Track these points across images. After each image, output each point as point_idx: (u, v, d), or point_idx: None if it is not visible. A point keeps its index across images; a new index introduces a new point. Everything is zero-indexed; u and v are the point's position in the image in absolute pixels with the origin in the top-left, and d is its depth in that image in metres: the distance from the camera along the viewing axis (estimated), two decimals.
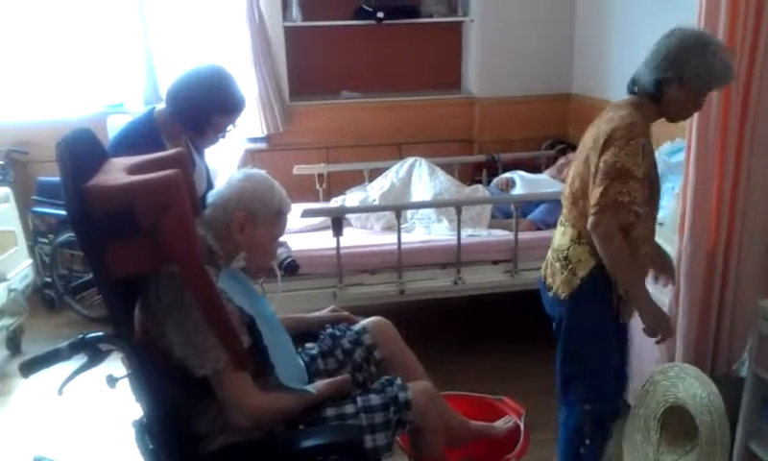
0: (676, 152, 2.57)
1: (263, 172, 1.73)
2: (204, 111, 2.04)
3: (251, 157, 4.02)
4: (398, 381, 1.75)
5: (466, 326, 3.61)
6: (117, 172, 1.49)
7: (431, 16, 4.22)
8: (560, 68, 4.22)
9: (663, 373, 2.42)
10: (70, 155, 1.38)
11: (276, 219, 1.69)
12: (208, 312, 1.43)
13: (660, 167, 2.66)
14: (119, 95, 4.03)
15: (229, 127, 2.13)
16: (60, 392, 1.43)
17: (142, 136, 2.00)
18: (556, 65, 4.21)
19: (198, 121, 2.06)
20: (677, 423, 2.36)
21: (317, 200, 3.75)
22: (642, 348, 2.58)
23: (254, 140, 4.04)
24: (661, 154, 2.64)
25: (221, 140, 2.17)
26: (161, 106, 2.11)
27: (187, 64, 2.11)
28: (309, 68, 4.24)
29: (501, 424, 2.06)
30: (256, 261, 1.71)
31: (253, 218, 1.64)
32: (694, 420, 2.28)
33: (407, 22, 4.18)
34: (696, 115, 2.21)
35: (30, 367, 1.37)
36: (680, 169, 2.41)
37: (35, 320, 3.54)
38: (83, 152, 1.45)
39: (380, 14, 4.05)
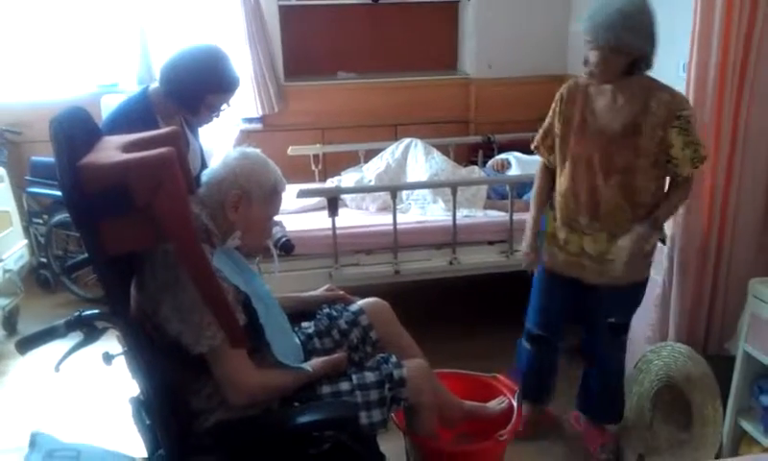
0: None
1: (258, 151, 1.73)
2: (198, 90, 2.03)
3: (245, 138, 4.00)
4: (393, 359, 1.76)
5: (461, 306, 3.63)
6: (111, 150, 1.48)
7: None
8: (555, 49, 4.21)
9: (656, 352, 2.45)
10: (64, 133, 1.37)
11: (271, 198, 1.69)
12: (204, 290, 1.43)
13: None
14: (113, 75, 4.01)
15: (224, 106, 2.13)
16: (57, 369, 1.45)
17: (137, 115, 1.99)
18: (551, 47, 4.20)
19: (192, 100, 2.04)
20: (670, 401, 2.39)
21: (312, 180, 3.75)
22: (636, 327, 2.60)
23: (249, 121, 4.02)
24: None
25: (215, 119, 2.16)
26: (155, 85, 2.10)
27: (181, 44, 2.10)
28: (305, 48, 4.21)
29: (494, 404, 2.08)
30: (251, 240, 1.71)
31: (248, 197, 1.64)
32: (687, 398, 2.32)
33: (403, 1, 4.15)
34: (691, 95, 2.22)
35: (26, 344, 1.38)
36: None
37: (30, 300, 3.55)
38: (76, 130, 1.44)
39: None
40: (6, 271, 3.18)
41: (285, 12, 4.05)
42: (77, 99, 3.56)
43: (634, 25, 1.89)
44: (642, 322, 2.53)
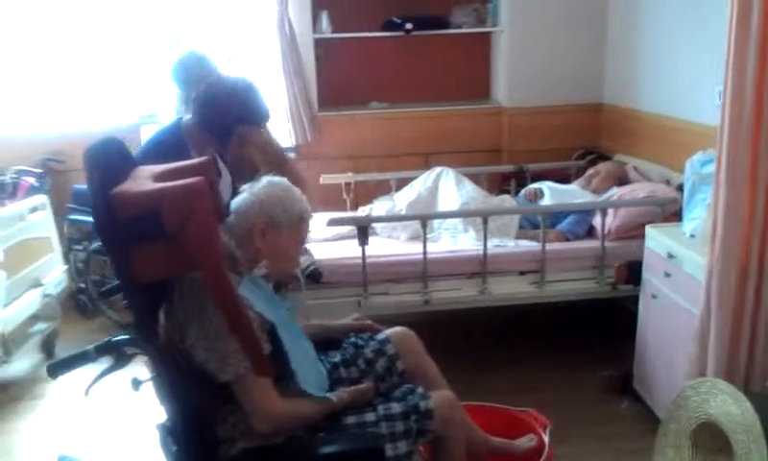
0: (708, 162, 2.52)
1: (284, 179, 1.75)
2: (229, 122, 2.08)
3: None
4: (420, 390, 1.74)
5: (491, 337, 3.58)
6: (144, 179, 1.52)
7: (460, 27, 4.22)
8: (591, 78, 4.18)
9: (695, 388, 2.36)
10: (97, 161, 1.41)
11: (298, 225, 1.70)
12: (230, 318, 1.44)
13: (693, 179, 2.62)
14: (153, 106, 4.12)
15: (254, 137, 2.16)
16: (87, 393, 1.47)
17: (169, 146, 2.05)
18: (587, 75, 4.17)
19: (222, 131, 2.09)
20: (710, 439, 2.29)
21: (344, 209, 3.77)
22: (673, 359, 2.53)
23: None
24: (693, 164, 2.59)
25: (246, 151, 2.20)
26: (189, 116, 2.15)
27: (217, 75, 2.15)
28: (338, 79, 4.28)
29: (523, 442, 2.03)
30: (279, 268, 1.72)
31: (276, 224, 1.66)
32: (728, 437, 2.22)
33: (436, 34, 4.19)
34: (727, 122, 2.16)
35: (57, 368, 1.41)
36: (711, 180, 2.36)
37: (68, 325, 3.62)
38: (110, 159, 1.48)
39: (409, 26, 4.07)
40: (45, 295, 3.26)
41: (320, 45, 4.13)
42: (118, 129, 3.67)
43: None
44: (681, 355, 2.46)
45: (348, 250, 3.02)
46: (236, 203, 1.70)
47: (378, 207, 3.53)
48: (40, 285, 3.23)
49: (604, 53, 4.13)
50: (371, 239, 3.23)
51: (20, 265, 3.10)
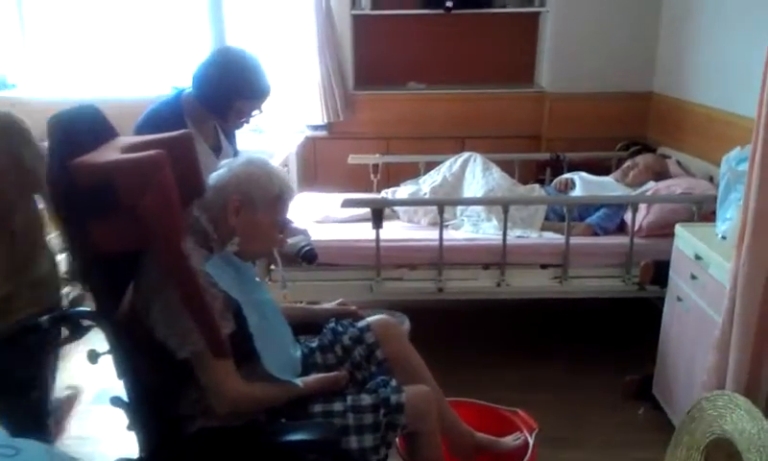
0: (744, 160, 2.31)
1: (264, 158, 1.70)
2: (228, 96, 2.04)
3: (311, 144, 4.04)
4: (393, 383, 1.67)
5: (505, 331, 3.45)
6: (113, 150, 1.50)
7: (504, 6, 4.05)
8: (641, 64, 3.92)
9: (711, 400, 2.19)
10: (59, 129, 1.40)
11: (276, 204, 1.65)
12: (184, 296, 1.41)
13: (728, 176, 2.42)
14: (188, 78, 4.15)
15: (254, 112, 2.12)
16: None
17: (165, 118, 2.02)
18: (637, 61, 3.91)
19: (221, 105, 2.05)
20: (723, 457, 2.13)
21: (371, 190, 3.71)
22: (693, 367, 2.36)
23: (315, 128, 4.05)
24: (729, 161, 2.39)
25: (245, 125, 2.16)
26: (189, 88, 2.12)
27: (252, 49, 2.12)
28: (376, 58, 4.20)
29: (509, 440, 1.94)
30: (254, 246, 1.67)
31: (250, 203, 1.61)
32: (742, 456, 2.06)
33: (480, 12, 4.04)
34: (764, 116, 1.97)
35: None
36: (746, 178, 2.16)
37: None
38: (79, 128, 1.47)
39: (449, 3, 3.93)
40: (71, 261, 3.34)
41: (358, 21, 4.05)
42: (150, 99, 3.69)
43: None
44: (701, 364, 2.29)
45: (364, 232, 2.96)
46: (213, 178, 1.66)
47: (403, 191, 3.45)
48: (67, 250, 3.32)
49: (656, 38, 3.87)
50: (391, 222, 3.19)
51: (48, 229, 3.18)
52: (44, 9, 4.24)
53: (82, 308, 1.45)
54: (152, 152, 1.40)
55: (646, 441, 2.51)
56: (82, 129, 1.48)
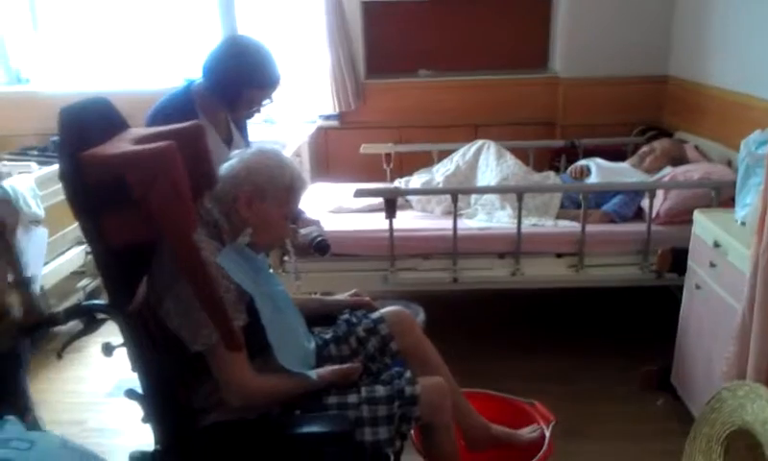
0: (764, 143, 2.26)
1: (276, 148, 1.69)
2: (236, 85, 2.02)
3: (322, 134, 4.02)
4: (407, 375, 1.66)
5: (522, 321, 3.42)
6: (124, 142, 1.49)
7: None
8: (657, 48, 3.84)
9: (732, 391, 2.15)
10: (72, 122, 1.39)
11: (287, 195, 1.63)
12: (197, 288, 1.41)
13: (747, 160, 2.37)
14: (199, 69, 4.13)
15: (265, 102, 2.10)
16: (60, 356, 1.47)
17: (176, 109, 2.01)
18: (652, 44, 3.84)
19: (231, 94, 2.04)
20: (744, 448, 2.09)
21: (384, 179, 3.68)
22: (713, 356, 2.32)
23: (327, 117, 4.02)
24: (748, 144, 2.33)
25: (256, 115, 2.14)
26: (200, 79, 2.11)
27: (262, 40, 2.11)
28: (387, 46, 4.16)
29: (526, 432, 1.91)
30: (266, 237, 1.66)
31: (261, 193, 1.59)
32: (763, 448, 2.02)
33: None
34: None
35: (26, 329, 1.41)
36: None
37: None
38: (90, 120, 1.46)
39: None
40: (89, 252, 3.35)
41: (368, 9, 4.01)
42: (161, 91, 3.69)
43: None
44: (721, 353, 2.25)
45: (378, 222, 2.94)
46: (224, 169, 1.64)
47: (417, 180, 3.42)
48: (83, 243, 3.34)
49: (672, 20, 3.79)
50: (405, 212, 3.16)
51: (63, 223, 3.20)
52: (56, 3, 4.24)
53: (96, 301, 1.44)
54: (162, 143, 1.38)
55: (665, 432, 2.48)
56: (92, 121, 1.47)
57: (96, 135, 1.46)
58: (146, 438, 1.60)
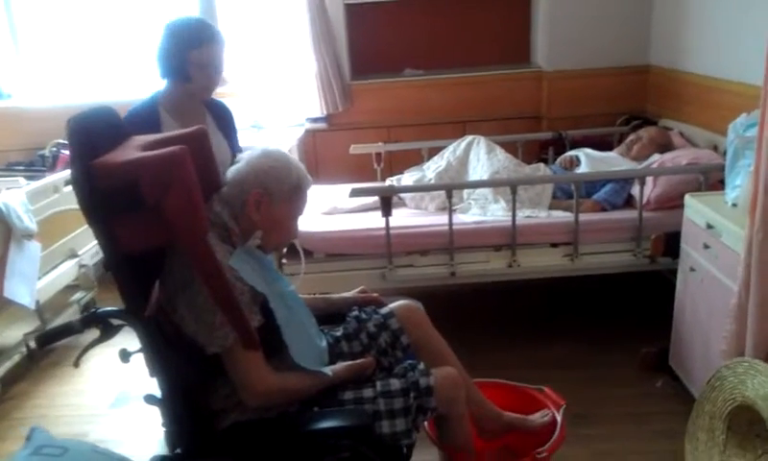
0: (752, 125, 2.31)
1: (281, 149, 1.70)
2: (178, 55, 2.11)
3: (311, 137, 4.03)
4: (421, 366, 1.68)
5: (520, 312, 3.47)
6: (132, 148, 1.50)
7: None
8: (637, 38, 3.92)
9: (731, 368, 2.21)
10: (81, 131, 1.39)
11: (294, 196, 1.65)
12: (213, 290, 1.41)
13: (735, 143, 2.43)
14: None
15: (215, 61, 2.16)
16: (76, 364, 1.47)
17: (138, 113, 2.14)
18: (632, 35, 3.91)
19: (177, 67, 2.13)
20: (746, 424, 2.14)
21: (375, 179, 3.70)
22: (710, 336, 2.38)
23: (314, 120, 4.03)
24: (736, 127, 2.39)
25: (216, 78, 2.20)
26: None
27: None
28: (371, 46, 4.18)
29: (537, 417, 1.95)
30: (274, 239, 1.67)
31: (269, 195, 1.60)
32: (765, 422, 2.07)
33: None
34: None
35: (45, 339, 1.41)
36: (755, 144, 2.17)
37: (105, 294, 3.70)
38: (97, 128, 1.46)
39: None
40: (82, 266, 3.34)
41: (351, 11, 4.03)
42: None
43: None
44: (718, 332, 2.31)
45: (373, 221, 2.96)
46: (231, 172, 1.65)
47: (408, 178, 3.44)
48: (76, 256, 3.31)
49: (651, 9, 3.87)
50: (398, 210, 3.18)
51: (56, 236, 3.18)
52: (35, 18, 4.20)
53: (112, 308, 1.44)
54: (174, 147, 1.39)
55: (666, 412, 2.53)
56: (99, 129, 1.47)
57: (104, 143, 1.46)
58: (149, 448, 1.60)
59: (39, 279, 2.98)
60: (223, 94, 4.03)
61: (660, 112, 3.76)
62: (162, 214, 1.35)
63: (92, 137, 1.42)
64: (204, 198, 1.52)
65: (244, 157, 1.67)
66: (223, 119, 2.36)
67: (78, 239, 3.34)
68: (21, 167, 3.76)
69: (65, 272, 3.23)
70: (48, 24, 4.21)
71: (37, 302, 2.94)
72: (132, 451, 2.28)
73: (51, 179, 3.23)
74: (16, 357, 2.97)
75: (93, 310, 1.42)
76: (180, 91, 2.17)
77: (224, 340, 1.47)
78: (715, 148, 3.05)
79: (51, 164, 3.74)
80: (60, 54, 4.25)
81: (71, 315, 3.39)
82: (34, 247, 2.90)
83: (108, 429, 2.66)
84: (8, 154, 3.96)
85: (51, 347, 2.79)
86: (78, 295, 3.44)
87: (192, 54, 2.11)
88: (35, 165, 3.75)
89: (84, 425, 2.70)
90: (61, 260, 3.24)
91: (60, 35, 4.22)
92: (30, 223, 2.87)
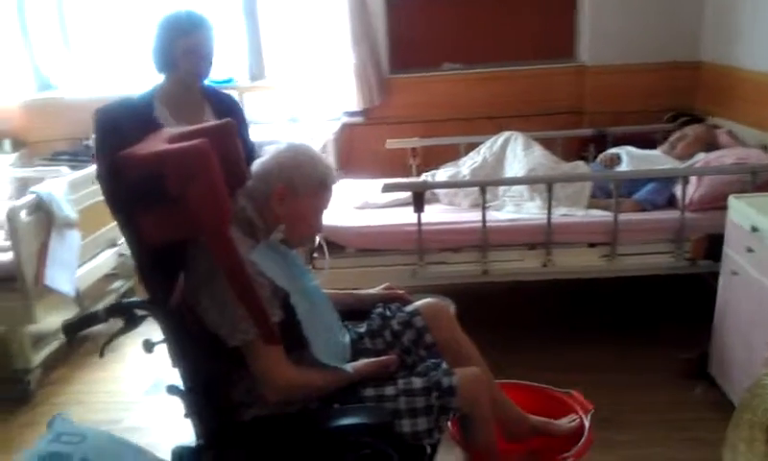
0: None
1: (307, 144, 1.69)
2: (168, 45, 2.18)
3: (347, 131, 4.02)
4: (444, 366, 1.65)
5: (555, 312, 3.39)
6: (159, 141, 1.51)
7: None
8: (687, 32, 3.76)
9: None
10: (107, 123, 1.41)
11: (319, 191, 1.64)
12: (234, 284, 1.42)
13: None
14: (228, 70, 4.17)
15: (203, 48, 2.20)
16: (102, 354, 1.49)
17: (134, 107, 2.16)
18: (683, 29, 3.76)
19: (168, 56, 2.19)
20: None
21: (410, 175, 3.68)
22: (752, 342, 2.28)
23: (351, 114, 4.02)
24: None
25: (202, 63, 2.23)
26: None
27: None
28: (410, 40, 4.13)
29: (565, 422, 1.89)
30: (299, 233, 1.67)
31: (294, 190, 1.60)
32: None
33: None
34: None
35: (70, 328, 1.43)
36: None
37: None
38: (124, 121, 1.48)
39: None
40: (121, 255, 3.41)
41: (391, 4, 4.00)
42: None
43: None
44: (761, 338, 2.21)
45: (405, 216, 2.93)
46: (256, 166, 1.65)
47: (443, 174, 3.41)
48: (116, 245, 3.39)
49: (702, 4, 3.72)
50: (432, 206, 3.15)
51: (96, 225, 3.25)
52: (84, 11, 4.30)
53: (136, 299, 1.46)
54: (196, 141, 1.40)
55: (703, 420, 2.44)
56: (127, 121, 1.49)
57: (132, 135, 1.48)
58: (181, 436, 1.61)
59: (79, 267, 3.05)
60: (261, 87, 4.09)
61: (710, 110, 3.62)
62: (186, 206, 1.36)
63: (119, 129, 1.44)
64: (229, 192, 1.53)
65: (269, 151, 1.67)
66: (225, 112, 2.33)
67: (117, 229, 3.39)
68: (66, 156, 3.85)
69: (105, 261, 3.31)
70: (96, 17, 4.30)
71: (77, 290, 3.02)
72: (164, 439, 2.33)
73: (92, 168, 3.30)
74: (56, 343, 3.05)
75: (118, 300, 1.44)
76: (175, 83, 2.24)
77: (245, 334, 1.47)
78: (765, 148, 2.92)
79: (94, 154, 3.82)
80: (106, 46, 4.34)
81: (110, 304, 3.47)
82: (74, 236, 2.98)
83: (141, 416, 2.73)
84: (54, 143, 4.07)
85: (87, 334, 2.88)
86: (117, 284, 3.53)
87: (178, 42, 2.18)
88: (79, 155, 3.84)
89: (119, 412, 2.76)
90: (101, 249, 3.32)
91: (106, 27, 4.31)
92: (71, 212, 2.94)
